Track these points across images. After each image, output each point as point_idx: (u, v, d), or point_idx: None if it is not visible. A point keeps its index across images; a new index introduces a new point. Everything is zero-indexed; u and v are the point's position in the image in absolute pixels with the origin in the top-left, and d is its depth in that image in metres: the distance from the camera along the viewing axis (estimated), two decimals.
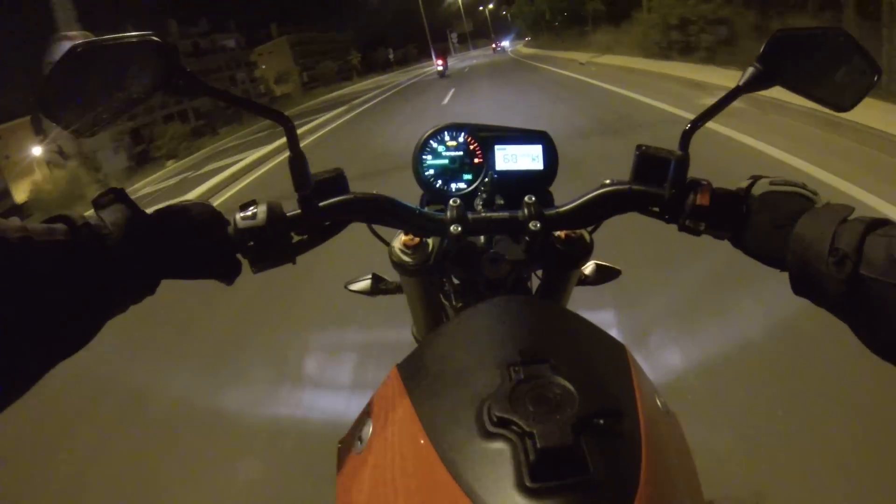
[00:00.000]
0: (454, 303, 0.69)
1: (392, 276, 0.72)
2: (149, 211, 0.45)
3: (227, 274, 0.49)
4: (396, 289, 0.76)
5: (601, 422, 0.31)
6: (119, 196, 0.43)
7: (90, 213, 0.42)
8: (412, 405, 0.37)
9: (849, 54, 0.48)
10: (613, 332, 0.45)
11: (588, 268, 0.77)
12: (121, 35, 0.42)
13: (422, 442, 0.33)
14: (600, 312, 2.06)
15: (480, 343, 0.40)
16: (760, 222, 0.47)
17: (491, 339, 0.40)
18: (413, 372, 0.41)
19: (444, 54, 22.15)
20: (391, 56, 62.93)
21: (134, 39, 0.42)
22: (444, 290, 0.70)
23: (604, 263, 0.78)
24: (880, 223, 0.38)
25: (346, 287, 0.80)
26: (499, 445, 0.30)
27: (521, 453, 0.29)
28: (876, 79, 0.48)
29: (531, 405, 0.31)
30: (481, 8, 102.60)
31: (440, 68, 21.17)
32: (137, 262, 0.41)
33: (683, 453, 0.40)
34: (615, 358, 0.41)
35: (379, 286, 0.78)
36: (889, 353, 0.37)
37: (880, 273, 0.35)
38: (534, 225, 0.53)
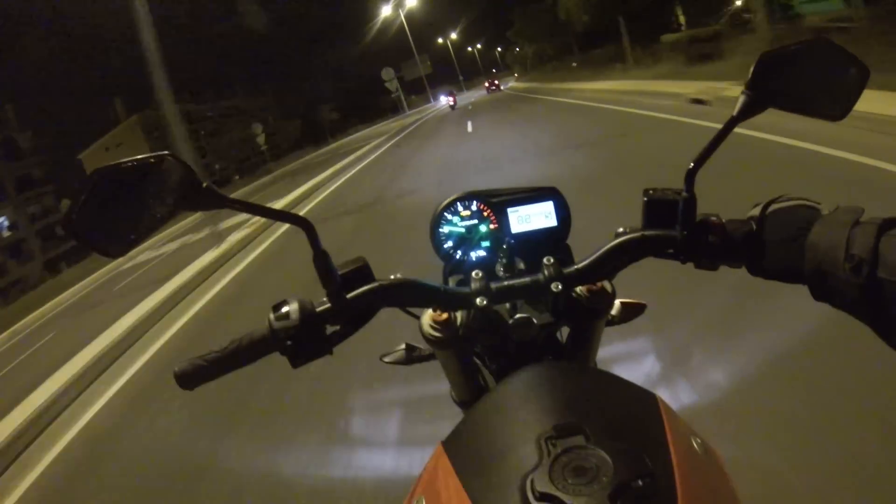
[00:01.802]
0: (487, 364, 0.70)
1: (424, 342, 0.74)
2: None
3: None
4: (430, 356, 0.78)
5: (638, 485, 0.32)
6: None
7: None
8: (461, 483, 0.39)
9: (836, 62, 0.48)
10: None
11: (613, 309, 0.78)
12: (139, 157, 0.44)
13: None
14: None
15: (517, 418, 0.42)
16: (773, 242, 0.47)
17: (527, 413, 0.41)
18: (458, 449, 0.43)
19: (453, 94, 31.30)
20: (263, 143, 24.61)
21: (152, 160, 0.43)
22: (476, 353, 0.71)
23: (627, 301, 0.78)
24: (893, 223, 0.38)
25: (381, 359, 0.82)
26: None
27: None
28: (864, 79, 0.48)
29: (570, 477, 0.32)
30: (440, 40, 72.78)
31: (451, 103, 29.12)
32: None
33: (724, 492, 0.41)
34: (646, 411, 0.42)
35: (413, 355, 0.79)
36: None
37: None
38: (555, 286, 0.54)
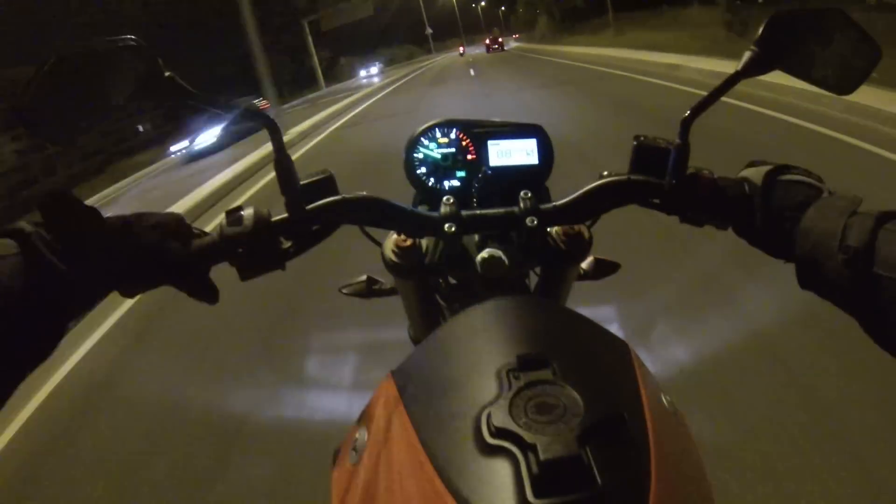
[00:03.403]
0: (450, 303, 0.67)
1: (386, 276, 0.70)
2: (107, 215, 0.42)
3: (203, 292, 0.47)
4: (391, 290, 0.75)
5: (607, 429, 0.29)
6: (68, 199, 0.39)
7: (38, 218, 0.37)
8: (407, 415, 0.35)
9: (847, 35, 0.47)
10: None
11: (587, 263, 0.76)
12: (99, 40, 0.41)
13: (418, 455, 0.32)
14: None
15: (477, 347, 0.38)
16: (765, 213, 0.45)
17: (488, 342, 0.38)
18: (408, 379, 0.39)
19: (464, 45, 36.73)
20: None
21: (112, 44, 0.41)
22: (439, 290, 0.68)
23: (602, 258, 0.76)
24: (891, 216, 0.37)
25: (340, 290, 0.79)
26: (499, 458, 0.28)
27: (522, 466, 0.27)
28: (876, 58, 0.47)
29: (532, 414, 0.29)
30: None
31: (462, 52, 36.11)
32: (91, 272, 0.40)
33: (692, 454, 0.38)
34: (618, 357, 0.39)
35: (373, 288, 0.77)
36: None
37: (893, 270, 0.34)
38: (530, 221, 0.51)
